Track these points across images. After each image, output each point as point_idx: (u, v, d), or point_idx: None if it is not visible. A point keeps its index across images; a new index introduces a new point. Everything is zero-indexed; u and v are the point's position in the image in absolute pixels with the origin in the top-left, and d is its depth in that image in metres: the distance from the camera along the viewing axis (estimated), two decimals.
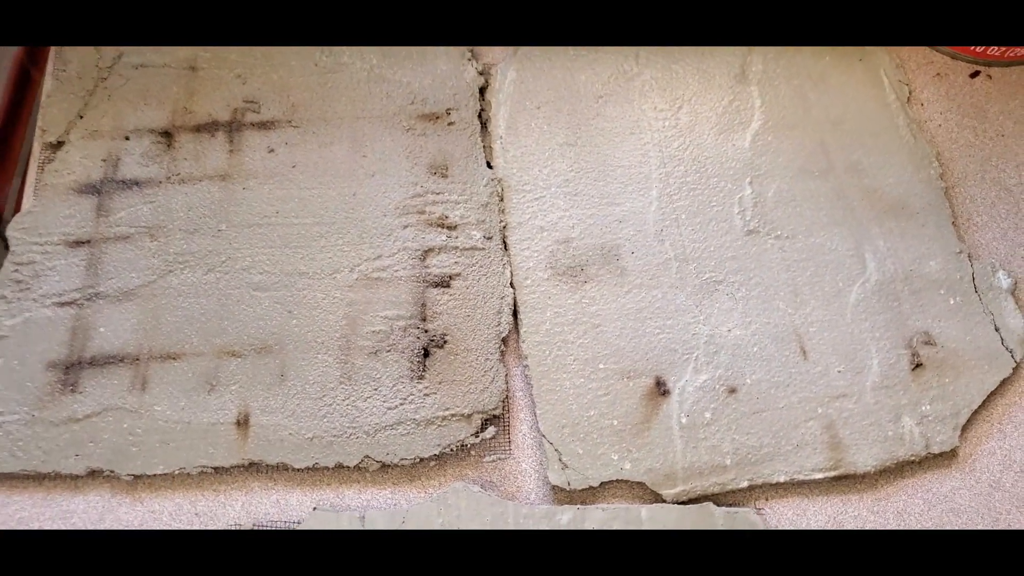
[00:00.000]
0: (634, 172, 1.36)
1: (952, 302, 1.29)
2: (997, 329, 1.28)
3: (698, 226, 1.32)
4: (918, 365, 1.24)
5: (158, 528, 1.14)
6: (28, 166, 1.39)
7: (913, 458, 1.19)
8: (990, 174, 1.43)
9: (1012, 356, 1.25)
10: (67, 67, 1.43)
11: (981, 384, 1.24)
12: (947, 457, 1.22)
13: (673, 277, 1.29)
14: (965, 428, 1.23)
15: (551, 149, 1.38)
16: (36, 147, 1.38)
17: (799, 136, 1.41)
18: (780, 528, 1.16)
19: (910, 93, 1.50)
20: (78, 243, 1.29)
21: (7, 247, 1.30)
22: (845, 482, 1.20)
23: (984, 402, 1.24)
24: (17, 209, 1.41)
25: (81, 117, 1.39)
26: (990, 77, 1.53)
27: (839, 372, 1.23)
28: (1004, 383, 1.25)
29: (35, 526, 1.14)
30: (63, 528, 1.14)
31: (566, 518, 1.14)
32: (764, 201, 1.35)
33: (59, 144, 1.37)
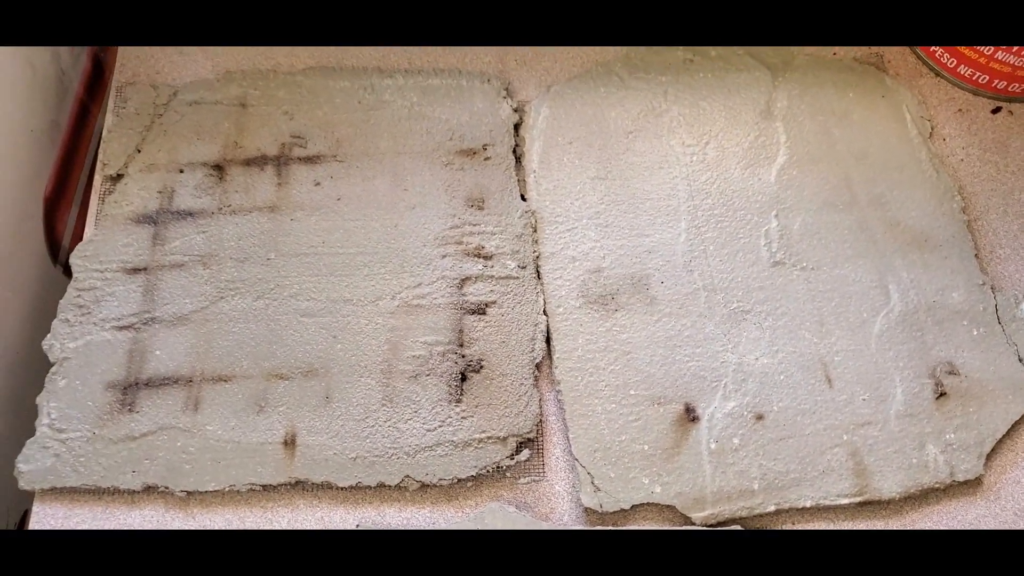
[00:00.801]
0: (663, 205, 1.42)
1: (975, 333, 1.32)
2: (1021, 360, 1.30)
3: (726, 257, 1.37)
4: (942, 394, 1.27)
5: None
6: (88, 197, 1.48)
7: (938, 485, 1.22)
8: (1013, 207, 1.46)
9: None
10: (127, 104, 1.52)
11: (1005, 414, 1.27)
12: (972, 485, 1.24)
13: (702, 306, 1.33)
14: (990, 457, 1.25)
15: (582, 182, 1.44)
16: (97, 180, 1.47)
17: (823, 170, 1.46)
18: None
19: (932, 128, 1.54)
20: (135, 270, 1.37)
21: (70, 274, 1.38)
22: (870, 508, 1.23)
23: (1009, 431, 1.27)
24: (76, 238, 1.50)
25: (139, 151, 1.48)
26: (1011, 113, 1.57)
27: (864, 400, 1.27)
28: None
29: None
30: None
31: None
32: (790, 233, 1.39)
33: (119, 177, 1.46)
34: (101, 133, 1.53)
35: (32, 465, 1.22)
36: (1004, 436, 1.26)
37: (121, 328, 1.32)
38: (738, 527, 1.19)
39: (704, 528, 1.19)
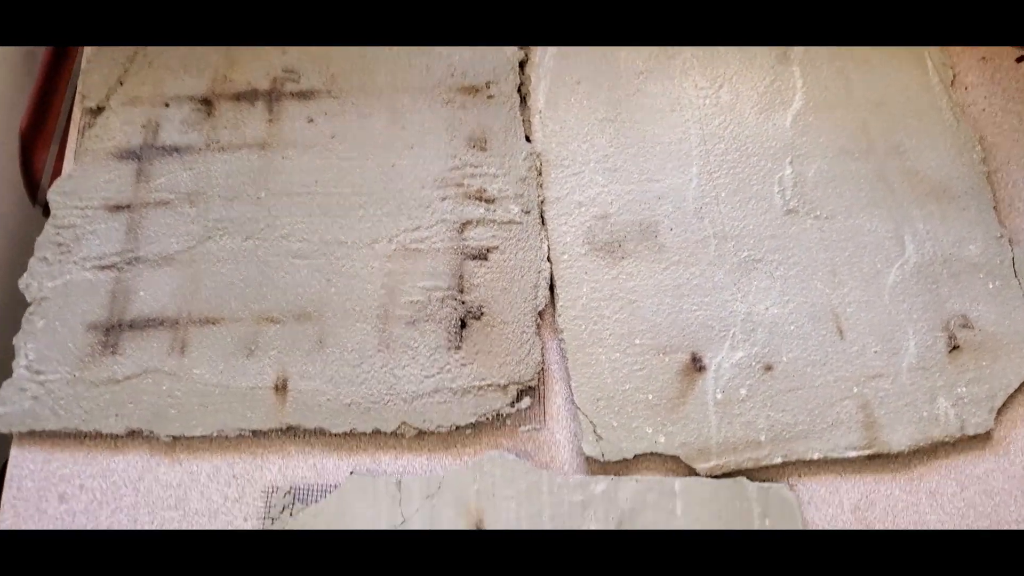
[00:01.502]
0: (674, 149, 1.36)
1: (991, 286, 1.28)
2: None
3: (737, 204, 1.32)
4: (955, 347, 1.24)
5: (196, 489, 1.15)
6: (67, 133, 1.40)
7: (947, 439, 1.19)
8: None
9: None
10: None
11: (1019, 368, 1.23)
12: (982, 439, 1.21)
13: (711, 255, 1.28)
14: (1001, 411, 1.22)
15: (590, 124, 1.38)
16: (76, 112, 1.39)
17: (840, 117, 1.40)
18: (812, 506, 1.17)
19: (954, 76, 1.48)
20: (118, 208, 1.30)
21: (47, 211, 1.31)
22: (879, 461, 1.20)
23: (1021, 386, 1.24)
24: (55, 176, 1.42)
25: (121, 84, 1.40)
26: None
27: (875, 352, 1.23)
28: None
29: (76, 483, 1.15)
30: (103, 486, 1.15)
31: (600, 488, 1.14)
32: (804, 181, 1.34)
33: (99, 110, 1.38)
34: (81, 63, 1.44)
35: (9, 407, 1.16)
36: (1016, 391, 1.23)
37: (103, 268, 1.26)
38: (744, 479, 1.16)
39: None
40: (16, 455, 1.17)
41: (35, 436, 1.18)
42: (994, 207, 1.34)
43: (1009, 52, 1.52)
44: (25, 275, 1.25)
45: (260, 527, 1.14)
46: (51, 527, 1.13)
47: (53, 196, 1.30)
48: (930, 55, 1.48)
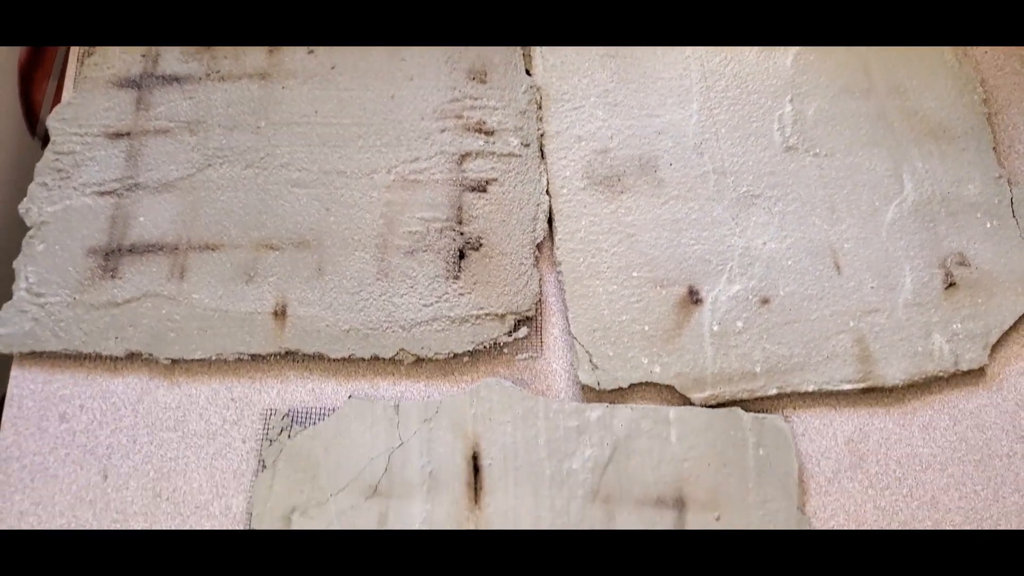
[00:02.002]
0: (675, 85, 1.36)
1: (989, 225, 1.29)
2: None
3: (737, 141, 1.32)
4: (951, 284, 1.24)
5: (195, 412, 1.16)
6: (66, 65, 1.39)
7: (941, 374, 1.20)
8: None
9: None
10: None
11: (1014, 306, 1.24)
12: (975, 375, 1.22)
13: (711, 190, 1.29)
14: (995, 348, 1.23)
15: (591, 59, 1.37)
16: None
17: (842, 56, 1.40)
18: (806, 441, 1.18)
19: None
20: (118, 135, 1.30)
21: (48, 138, 1.31)
22: (873, 395, 1.21)
23: (1015, 323, 1.24)
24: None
25: None
26: None
27: (872, 288, 1.23)
28: None
29: (76, 404, 1.16)
30: (103, 407, 1.16)
31: (595, 414, 1.15)
32: (804, 119, 1.34)
33: None
34: None
35: (9, 328, 1.17)
36: (1010, 328, 1.24)
37: (103, 193, 1.26)
38: (739, 409, 1.17)
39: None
40: (17, 375, 1.18)
41: (36, 357, 1.19)
42: (994, 148, 1.34)
43: None
44: (25, 200, 1.25)
45: (258, 448, 1.15)
46: (52, 446, 1.14)
47: (53, 123, 1.30)
48: None
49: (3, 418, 1.16)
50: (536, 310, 1.23)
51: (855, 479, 1.16)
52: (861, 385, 1.19)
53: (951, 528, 1.14)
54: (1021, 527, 1.14)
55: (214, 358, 1.18)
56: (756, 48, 1.40)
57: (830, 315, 1.22)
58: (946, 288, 1.24)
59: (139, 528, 1.10)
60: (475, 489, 1.11)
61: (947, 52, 1.41)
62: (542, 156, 1.31)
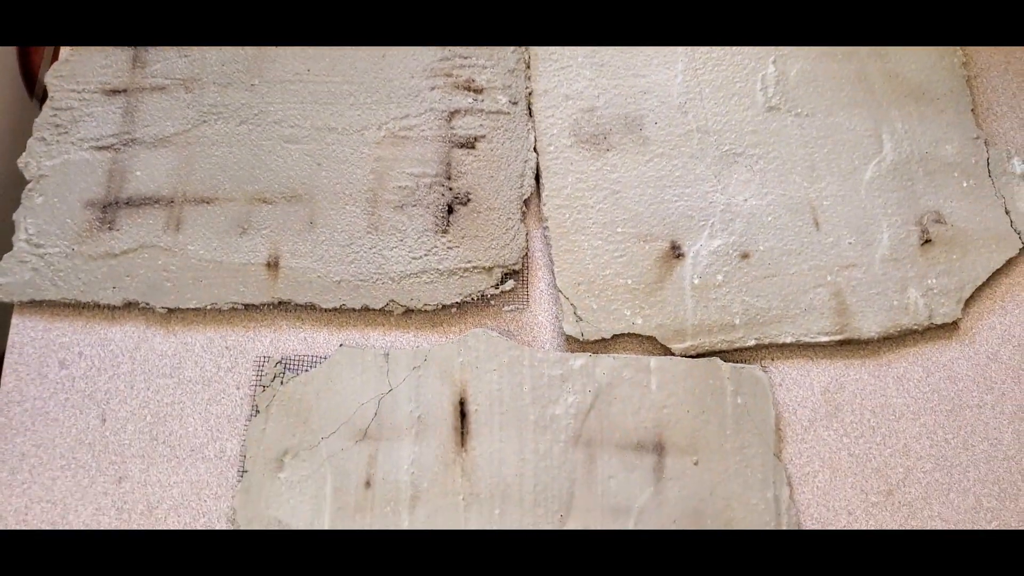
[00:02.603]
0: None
1: (965, 184, 1.32)
2: (1007, 212, 1.30)
3: (721, 100, 1.35)
4: (927, 241, 1.27)
5: (190, 359, 1.20)
6: None
7: (916, 327, 1.24)
8: (1014, 66, 1.44)
9: (1020, 238, 1.28)
10: None
11: (987, 262, 1.28)
12: (949, 329, 1.26)
13: (694, 148, 1.31)
14: (968, 303, 1.27)
15: None
16: None
17: None
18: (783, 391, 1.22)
19: None
20: (115, 92, 1.32)
21: (45, 95, 1.33)
22: (849, 347, 1.24)
23: (989, 280, 1.28)
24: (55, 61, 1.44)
25: None
26: None
27: (850, 244, 1.27)
28: (1010, 263, 1.29)
29: (75, 351, 1.20)
30: (101, 354, 1.20)
31: (578, 363, 1.19)
32: (787, 79, 1.37)
33: None
34: None
35: (10, 278, 1.21)
36: (984, 284, 1.27)
37: (100, 148, 1.29)
38: (718, 359, 1.20)
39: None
40: (17, 323, 1.21)
41: (35, 306, 1.22)
42: (972, 110, 1.37)
43: None
44: (24, 154, 1.28)
45: (251, 394, 1.18)
46: (52, 391, 1.18)
47: (51, 79, 1.33)
48: None
49: (4, 364, 1.19)
50: (523, 264, 1.27)
51: (830, 427, 1.20)
52: (838, 337, 1.22)
53: (922, 474, 1.18)
54: (989, 474, 1.18)
55: (209, 307, 1.21)
56: None
57: (808, 270, 1.25)
58: (922, 244, 1.27)
59: (136, 471, 1.14)
60: (462, 433, 1.15)
61: None
62: (530, 114, 1.34)
